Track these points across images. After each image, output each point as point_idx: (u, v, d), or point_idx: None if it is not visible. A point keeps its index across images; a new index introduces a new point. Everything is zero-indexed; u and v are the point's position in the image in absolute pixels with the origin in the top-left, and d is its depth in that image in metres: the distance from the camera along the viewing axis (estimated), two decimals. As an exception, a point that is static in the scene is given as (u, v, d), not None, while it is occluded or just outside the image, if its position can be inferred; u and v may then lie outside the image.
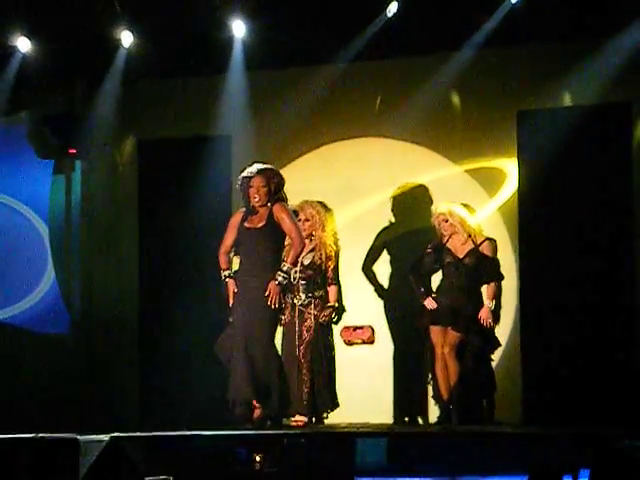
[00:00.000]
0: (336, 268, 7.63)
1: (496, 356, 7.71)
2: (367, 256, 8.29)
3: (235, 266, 7.00)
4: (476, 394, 7.60)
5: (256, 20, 8.08)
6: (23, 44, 8.46)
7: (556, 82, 8.01)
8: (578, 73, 7.91)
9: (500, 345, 7.67)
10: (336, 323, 7.78)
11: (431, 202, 8.06)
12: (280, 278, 6.75)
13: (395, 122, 8.29)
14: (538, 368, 7.88)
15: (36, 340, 8.82)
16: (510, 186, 8.13)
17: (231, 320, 6.98)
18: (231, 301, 6.91)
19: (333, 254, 7.60)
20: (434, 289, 7.69)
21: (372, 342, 8.17)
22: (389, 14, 7.88)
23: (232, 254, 7.01)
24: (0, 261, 9.00)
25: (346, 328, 8.19)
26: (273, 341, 6.92)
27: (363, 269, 8.27)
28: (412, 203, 8.27)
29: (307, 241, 7.42)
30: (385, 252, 8.31)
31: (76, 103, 8.87)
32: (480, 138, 8.20)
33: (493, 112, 8.17)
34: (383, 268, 8.27)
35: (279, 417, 6.99)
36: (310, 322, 7.55)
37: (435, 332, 7.57)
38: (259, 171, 6.89)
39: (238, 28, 8.17)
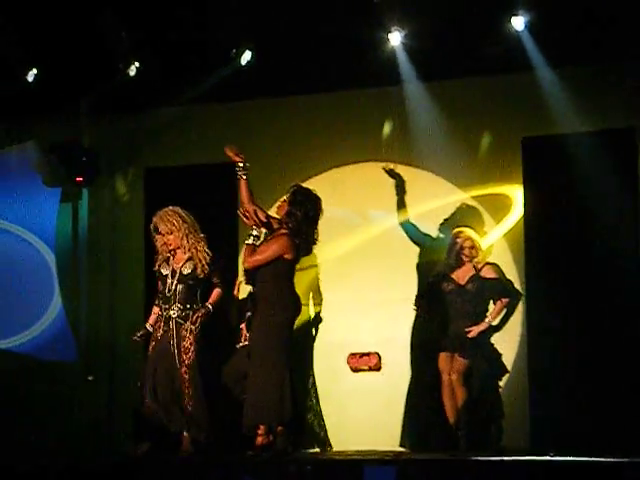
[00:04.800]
0: (222, 273, 7.24)
1: (503, 383, 7.68)
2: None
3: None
4: (484, 421, 7.56)
5: (261, 49, 8.14)
6: (30, 73, 8.51)
7: (561, 108, 8.04)
8: (583, 99, 7.94)
9: (507, 372, 7.65)
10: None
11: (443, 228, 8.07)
12: (250, 240, 6.95)
13: (401, 148, 8.33)
14: (546, 395, 7.84)
15: (43, 367, 8.81)
16: (516, 212, 8.14)
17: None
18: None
19: (211, 261, 7.19)
20: (441, 316, 7.69)
21: (379, 369, 8.13)
22: (392, 42, 7.94)
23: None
24: (8, 289, 9.03)
25: (352, 355, 8.18)
26: (288, 366, 6.93)
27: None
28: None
29: (180, 252, 7.16)
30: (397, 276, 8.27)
31: (83, 131, 8.91)
32: (486, 164, 8.21)
33: (498, 138, 8.19)
34: (393, 293, 8.25)
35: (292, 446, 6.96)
36: (188, 342, 7.06)
37: (442, 358, 7.56)
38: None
39: (244, 56, 8.23)
